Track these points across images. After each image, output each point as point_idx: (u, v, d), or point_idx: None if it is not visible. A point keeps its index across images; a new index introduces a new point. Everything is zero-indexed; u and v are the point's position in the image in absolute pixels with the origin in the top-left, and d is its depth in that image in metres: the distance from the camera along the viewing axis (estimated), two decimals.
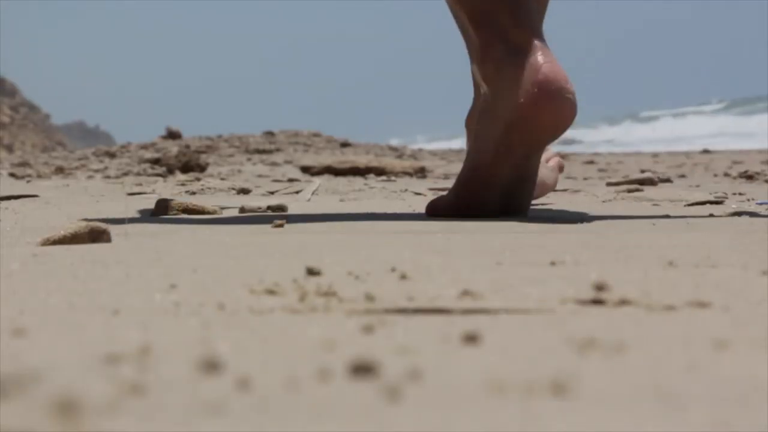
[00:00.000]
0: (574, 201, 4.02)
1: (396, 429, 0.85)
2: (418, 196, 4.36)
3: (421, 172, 7.36)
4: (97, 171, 8.70)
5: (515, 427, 0.85)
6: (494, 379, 1.01)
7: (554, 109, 2.46)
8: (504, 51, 2.49)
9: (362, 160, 7.60)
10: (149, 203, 3.73)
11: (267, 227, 2.84)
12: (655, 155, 12.43)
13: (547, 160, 3.64)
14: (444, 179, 6.60)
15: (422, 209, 3.51)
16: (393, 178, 6.80)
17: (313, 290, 1.59)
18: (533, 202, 3.57)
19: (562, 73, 2.46)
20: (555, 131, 2.53)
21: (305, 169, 7.73)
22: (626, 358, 1.11)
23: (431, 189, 4.56)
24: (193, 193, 4.99)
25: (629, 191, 4.62)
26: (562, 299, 1.50)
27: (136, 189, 5.44)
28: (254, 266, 1.88)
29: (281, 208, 3.43)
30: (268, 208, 3.42)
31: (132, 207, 3.85)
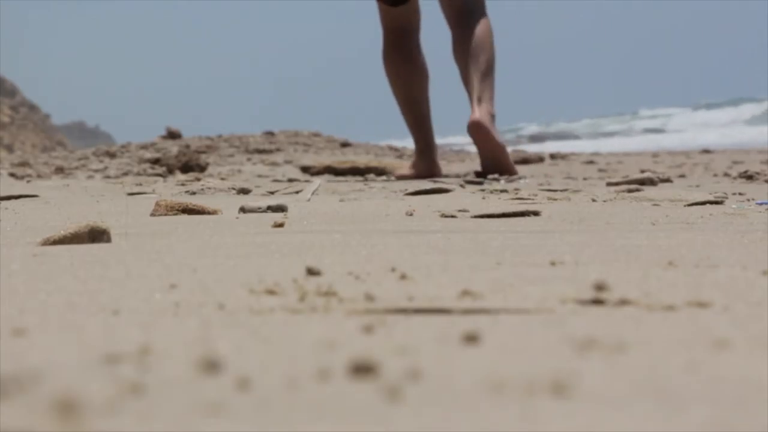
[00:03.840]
0: (574, 201, 4.02)
1: (396, 429, 0.85)
2: (413, 196, 4.35)
3: None
4: (97, 171, 8.70)
5: (515, 427, 0.85)
6: (494, 379, 1.01)
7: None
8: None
9: (362, 160, 7.60)
10: (149, 203, 3.74)
11: (267, 227, 2.84)
12: (655, 155, 12.42)
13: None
14: (444, 178, 6.60)
15: (421, 209, 3.52)
16: (393, 178, 6.80)
17: (313, 290, 1.59)
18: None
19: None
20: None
21: (305, 169, 7.73)
22: (626, 358, 1.11)
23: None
24: (193, 193, 4.99)
25: (629, 191, 4.62)
26: (562, 299, 1.50)
27: (136, 189, 5.44)
28: (254, 266, 1.88)
29: (281, 208, 3.43)
30: (268, 208, 3.42)
31: (132, 207, 3.85)
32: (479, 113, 5.95)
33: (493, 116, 6.01)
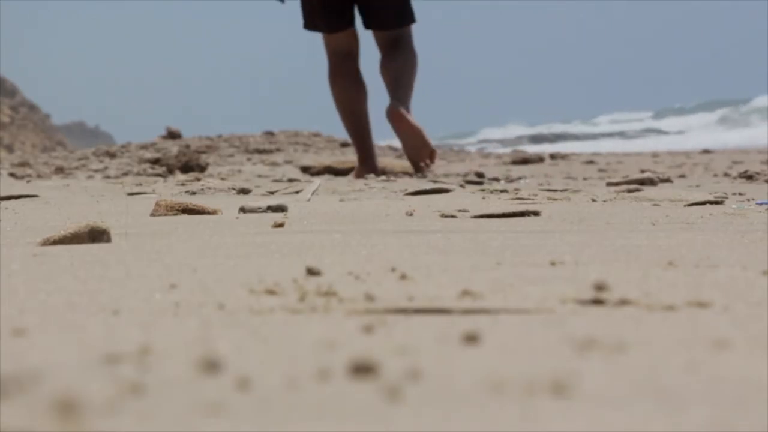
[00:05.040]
0: (574, 201, 4.02)
1: (396, 429, 0.85)
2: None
3: (421, 172, 7.37)
4: (97, 171, 8.70)
5: (515, 427, 0.85)
6: (494, 378, 1.01)
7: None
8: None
9: None
10: (149, 203, 3.73)
11: (267, 227, 2.84)
12: (655, 155, 12.41)
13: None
14: (445, 177, 6.60)
15: (421, 209, 3.52)
16: (393, 178, 6.80)
17: (313, 290, 1.59)
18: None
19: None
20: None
21: (305, 169, 7.74)
22: (626, 358, 1.11)
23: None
24: (193, 193, 4.99)
25: (629, 191, 4.62)
26: (562, 299, 1.50)
27: (136, 189, 5.44)
28: (254, 266, 1.88)
29: (281, 208, 3.43)
30: (268, 208, 3.42)
31: (132, 207, 3.85)
32: (395, 104, 7.11)
33: (407, 109, 7.17)
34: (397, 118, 7.10)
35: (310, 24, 7.33)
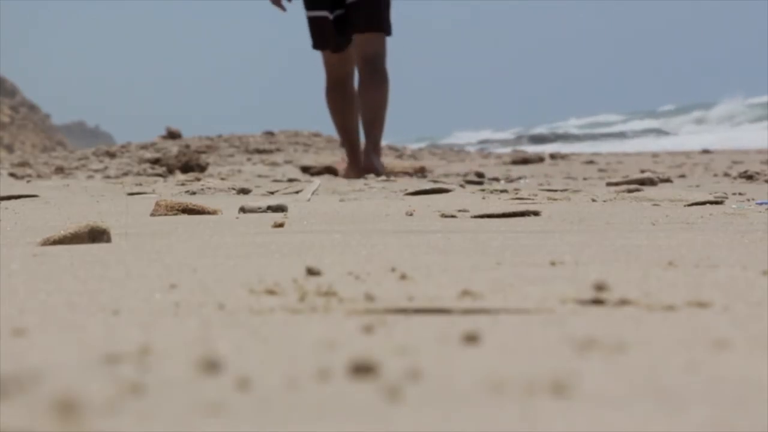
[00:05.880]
0: (574, 201, 4.02)
1: (396, 429, 0.85)
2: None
3: (421, 172, 7.38)
4: (97, 171, 8.70)
5: (515, 427, 0.85)
6: (494, 378, 1.01)
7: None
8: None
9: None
10: (149, 203, 3.73)
11: (267, 227, 2.84)
12: (655, 155, 12.41)
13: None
14: (445, 177, 6.60)
15: (421, 209, 3.52)
16: (393, 178, 6.80)
17: (313, 290, 1.59)
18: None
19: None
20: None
21: (305, 169, 7.75)
22: (626, 358, 1.11)
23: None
24: (193, 193, 4.99)
25: (629, 191, 4.62)
26: (562, 299, 1.50)
27: (136, 189, 5.44)
28: (254, 266, 1.88)
29: (281, 208, 3.43)
30: (268, 208, 3.42)
31: (132, 207, 3.85)
32: (367, 160, 7.93)
33: (377, 150, 8.07)
34: (370, 170, 7.88)
35: (319, 45, 8.02)
